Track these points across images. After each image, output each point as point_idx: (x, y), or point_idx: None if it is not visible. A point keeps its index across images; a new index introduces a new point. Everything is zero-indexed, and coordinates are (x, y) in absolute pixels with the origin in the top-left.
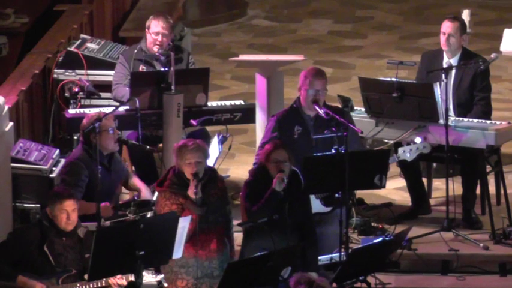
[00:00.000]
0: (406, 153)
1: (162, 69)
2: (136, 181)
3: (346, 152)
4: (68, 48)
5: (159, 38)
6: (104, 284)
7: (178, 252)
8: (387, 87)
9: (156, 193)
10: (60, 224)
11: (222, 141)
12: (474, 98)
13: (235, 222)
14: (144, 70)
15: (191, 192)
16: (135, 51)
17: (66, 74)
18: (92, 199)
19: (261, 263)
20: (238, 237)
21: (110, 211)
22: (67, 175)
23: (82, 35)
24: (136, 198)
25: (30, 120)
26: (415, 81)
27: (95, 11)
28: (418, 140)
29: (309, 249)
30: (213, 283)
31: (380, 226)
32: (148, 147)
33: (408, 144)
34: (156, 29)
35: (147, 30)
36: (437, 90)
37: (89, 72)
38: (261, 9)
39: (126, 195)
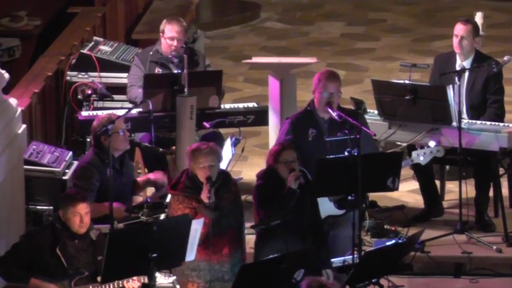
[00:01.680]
0: (420, 157)
1: (176, 71)
2: (141, 178)
3: (359, 154)
4: (81, 51)
5: (175, 42)
6: (116, 286)
7: (191, 255)
8: (400, 90)
9: (169, 196)
10: (73, 227)
11: (235, 144)
12: (487, 101)
13: (247, 224)
14: (160, 72)
15: (204, 196)
16: (151, 53)
17: (79, 76)
18: (104, 202)
19: (274, 265)
20: (250, 239)
21: (122, 213)
22: (78, 180)
23: (95, 38)
24: (149, 200)
25: (43, 122)
26: (428, 84)
27: (108, 14)
28: (432, 143)
29: (321, 248)
30: (224, 286)
31: (393, 228)
32: (161, 149)
33: (422, 147)
34: (170, 34)
35: (161, 34)
36: (450, 92)
37: (102, 74)
38: (273, 12)
39: (139, 198)
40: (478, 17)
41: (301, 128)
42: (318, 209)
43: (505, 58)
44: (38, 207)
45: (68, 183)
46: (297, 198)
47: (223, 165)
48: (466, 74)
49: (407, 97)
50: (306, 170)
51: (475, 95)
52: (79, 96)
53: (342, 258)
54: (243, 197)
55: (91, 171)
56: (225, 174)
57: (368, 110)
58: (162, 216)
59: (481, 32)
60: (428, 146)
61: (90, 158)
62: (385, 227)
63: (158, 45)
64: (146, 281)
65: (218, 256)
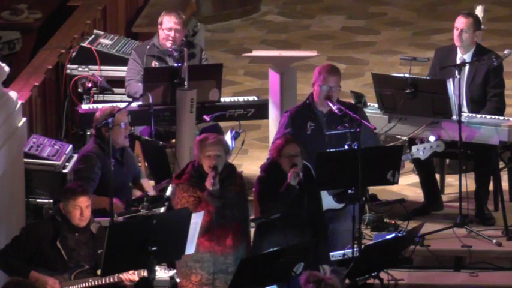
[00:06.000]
0: (420, 152)
1: (175, 65)
2: (145, 183)
3: (359, 148)
4: (81, 44)
5: (172, 33)
6: (116, 280)
7: (190, 248)
8: (400, 83)
9: (171, 186)
10: (74, 220)
11: (235, 137)
12: (487, 94)
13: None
14: (157, 66)
15: (209, 183)
16: (148, 47)
17: (80, 69)
18: (104, 193)
19: (273, 258)
20: (251, 232)
21: (119, 209)
22: (80, 168)
23: (95, 31)
24: (148, 194)
25: (43, 115)
26: (428, 77)
27: (108, 7)
28: (432, 138)
29: (320, 243)
30: (228, 279)
31: (393, 222)
32: (161, 142)
33: (422, 142)
34: (168, 25)
35: (159, 26)
36: (451, 86)
37: (102, 67)
38: (274, 5)
39: (138, 191)
40: (479, 11)
41: (299, 122)
42: (321, 204)
43: (506, 52)
44: (38, 200)
45: (68, 176)
46: (296, 193)
47: None
48: (467, 68)
49: (407, 91)
50: (310, 165)
51: (475, 89)
52: (79, 90)
53: (342, 251)
54: None
55: (93, 159)
56: (230, 167)
57: (368, 104)
58: (162, 210)
59: (481, 26)
60: (429, 141)
61: (91, 148)
62: (385, 220)
63: (155, 39)
64: (146, 274)
65: (222, 248)
